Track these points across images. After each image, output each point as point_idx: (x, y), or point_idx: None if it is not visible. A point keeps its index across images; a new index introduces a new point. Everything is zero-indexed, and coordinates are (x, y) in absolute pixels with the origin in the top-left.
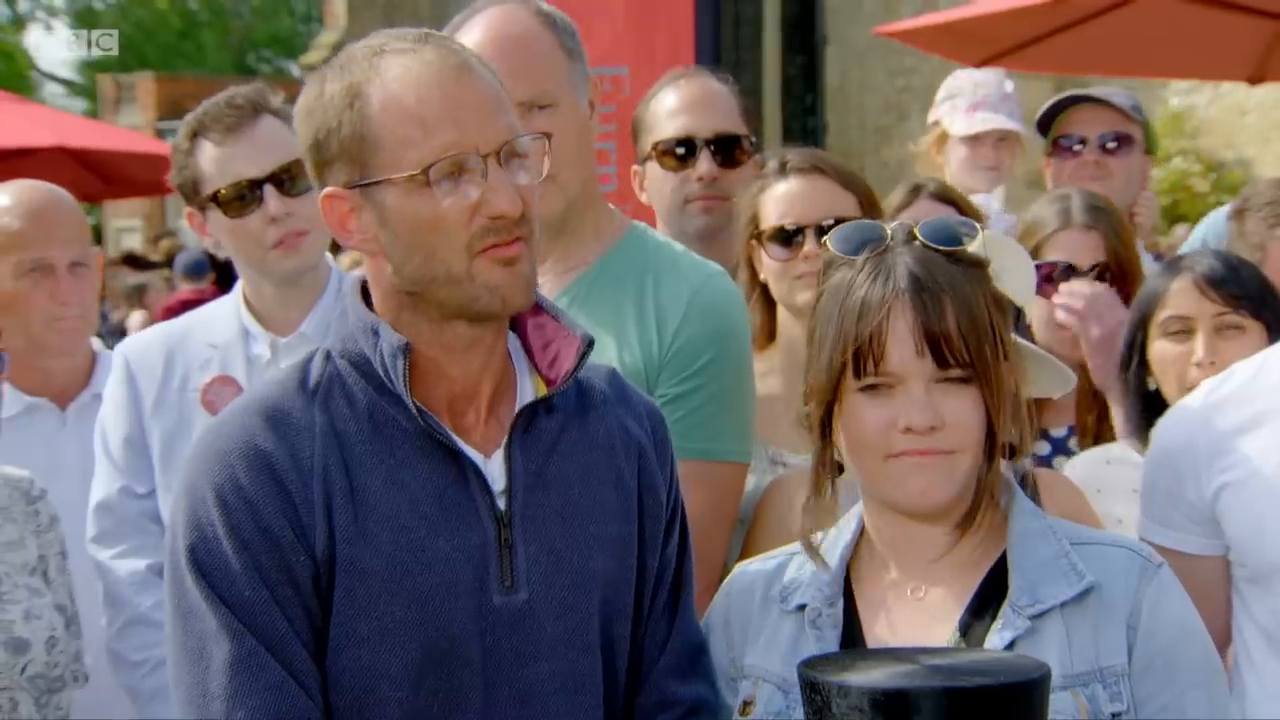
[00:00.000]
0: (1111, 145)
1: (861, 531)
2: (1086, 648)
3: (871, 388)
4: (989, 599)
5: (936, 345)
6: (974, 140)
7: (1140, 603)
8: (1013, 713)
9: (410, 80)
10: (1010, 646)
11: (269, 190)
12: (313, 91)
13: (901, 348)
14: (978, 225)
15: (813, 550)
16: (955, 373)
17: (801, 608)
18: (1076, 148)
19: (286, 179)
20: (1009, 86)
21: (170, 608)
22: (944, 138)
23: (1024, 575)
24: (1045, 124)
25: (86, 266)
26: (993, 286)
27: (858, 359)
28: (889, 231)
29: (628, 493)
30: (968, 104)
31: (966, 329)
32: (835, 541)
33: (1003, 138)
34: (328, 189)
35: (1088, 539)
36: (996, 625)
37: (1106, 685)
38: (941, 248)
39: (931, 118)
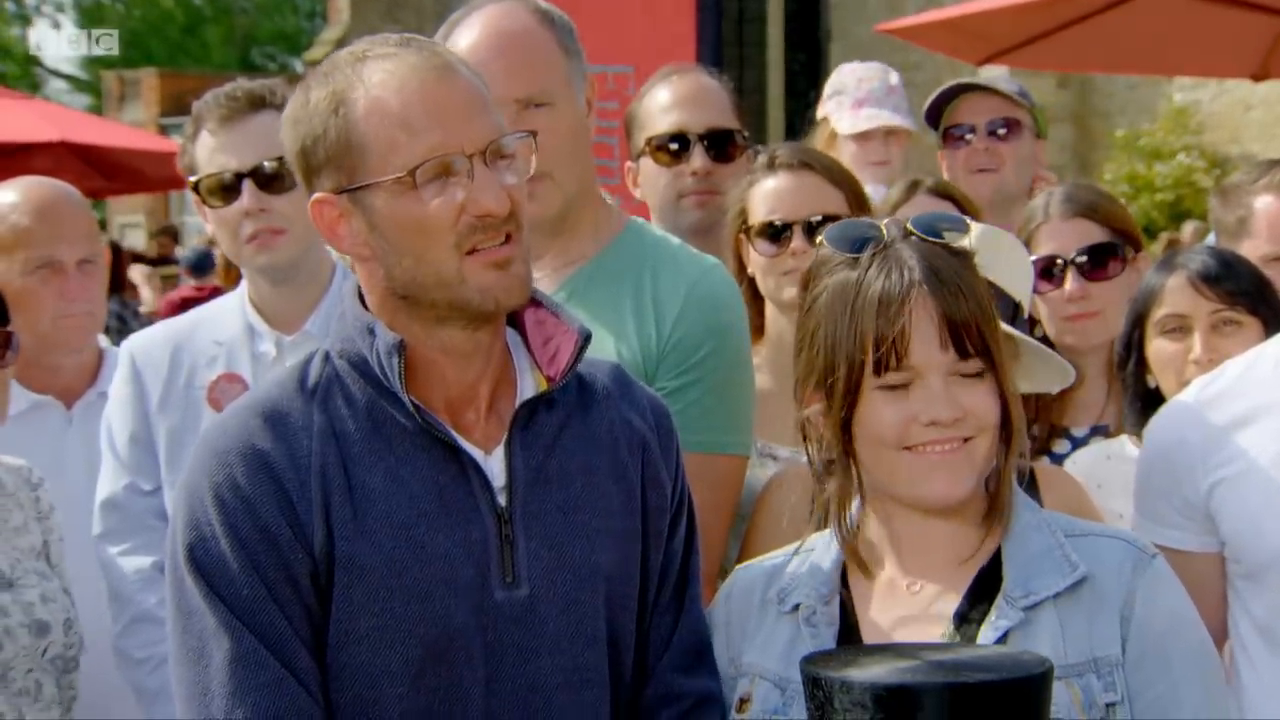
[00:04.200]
0: (1001, 131)
1: (855, 528)
2: (1080, 638)
3: (890, 384)
4: (984, 592)
5: (958, 336)
6: (862, 137)
7: (1134, 593)
8: (1015, 708)
9: (393, 84)
10: (1004, 637)
11: (247, 184)
12: (298, 100)
13: (925, 341)
14: (968, 220)
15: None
16: (973, 365)
17: (797, 607)
18: (967, 136)
19: (270, 175)
20: (894, 79)
21: (171, 607)
22: (834, 136)
23: (1018, 567)
24: (933, 116)
25: (94, 264)
26: (983, 278)
27: (878, 355)
28: (885, 228)
29: (631, 487)
30: (852, 100)
31: (981, 319)
32: (830, 539)
33: (891, 132)
34: (316, 195)
35: (1082, 531)
36: (991, 617)
37: (1100, 675)
38: (938, 240)
39: (819, 114)
